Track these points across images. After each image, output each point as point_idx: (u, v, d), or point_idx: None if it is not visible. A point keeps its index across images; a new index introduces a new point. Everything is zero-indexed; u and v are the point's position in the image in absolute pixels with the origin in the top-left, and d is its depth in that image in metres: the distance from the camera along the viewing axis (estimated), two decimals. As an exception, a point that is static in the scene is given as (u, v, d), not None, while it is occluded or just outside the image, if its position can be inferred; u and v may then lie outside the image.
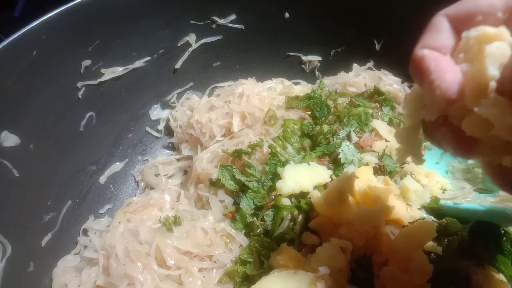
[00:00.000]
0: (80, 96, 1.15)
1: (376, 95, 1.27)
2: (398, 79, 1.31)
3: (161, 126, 1.39)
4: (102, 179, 1.24)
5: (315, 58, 1.45)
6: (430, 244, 0.91)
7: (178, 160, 1.35)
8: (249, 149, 1.10)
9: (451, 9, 0.52)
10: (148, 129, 1.37)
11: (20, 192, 0.99)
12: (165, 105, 1.40)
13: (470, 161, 1.08)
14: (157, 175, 1.30)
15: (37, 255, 0.99)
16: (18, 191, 0.98)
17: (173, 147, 1.40)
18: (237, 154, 1.10)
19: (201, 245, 0.93)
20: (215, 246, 0.94)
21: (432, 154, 1.13)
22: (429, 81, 0.49)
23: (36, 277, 0.97)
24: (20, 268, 0.94)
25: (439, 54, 0.51)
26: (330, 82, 1.38)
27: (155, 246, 0.90)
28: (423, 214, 0.96)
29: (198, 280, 0.89)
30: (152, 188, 1.26)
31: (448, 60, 0.50)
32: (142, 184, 1.31)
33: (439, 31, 0.52)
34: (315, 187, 1.01)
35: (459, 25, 0.50)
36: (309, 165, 1.05)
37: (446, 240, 0.92)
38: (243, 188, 1.06)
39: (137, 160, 1.35)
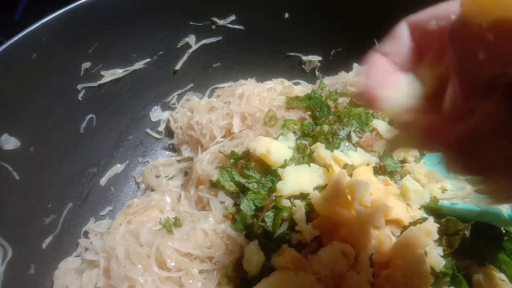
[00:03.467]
0: (80, 99, 1.15)
1: (376, 95, 1.26)
2: (399, 79, 1.31)
3: (161, 128, 1.39)
4: (103, 181, 1.24)
5: (315, 58, 1.45)
6: (431, 244, 0.90)
7: (178, 161, 1.35)
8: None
9: (413, 16, 0.54)
10: (148, 130, 1.37)
11: (21, 195, 0.99)
12: (165, 107, 1.40)
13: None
14: (157, 177, 1.30)
15: (38, 257, 0.99)
16: (18, 194, 0.98)
17: (174, 149, 1.40)
18: (233, 157, 1.10)
19: (202, 247, 0.93)
20: (215, 248, 0.94)
21: (433, 154, 1.12)
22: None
23: (37, 280, 0.97)
24: (21, 270, 0.95)
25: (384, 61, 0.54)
26: (331, 82, 1.37)
27: (156, 248, 0.90)
28: (423, 214, 0.96)
29: (198, 282, 0.89)
30: (152, 190, 1.26)
31: (387, 68, 0.53)
32: (143, 185, 1.31)
33: (395, 37, 0.54)
34: (315, 188, 1.01)
35: (417, 31, 0.52)
36: (309, 166, 1.05)
37: (447, 239, 0.92)
38: (243, 189, 1.06)
39: (137, 161, 1.35)
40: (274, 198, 1.01)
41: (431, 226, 0.90)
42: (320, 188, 1.01)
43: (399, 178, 1.04)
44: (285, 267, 0.88)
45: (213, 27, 1.34)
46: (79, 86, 1.14)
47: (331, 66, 1.43)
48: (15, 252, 0.93)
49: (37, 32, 1.00)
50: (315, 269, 0.85)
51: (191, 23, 1.30)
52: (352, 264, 0.88)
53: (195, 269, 0.90)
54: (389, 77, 0.53)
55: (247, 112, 1.24)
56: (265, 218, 0.99)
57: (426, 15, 0.51)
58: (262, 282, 0.85)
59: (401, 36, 0.54)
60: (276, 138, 1.15)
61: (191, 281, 0.89)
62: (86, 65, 1.14)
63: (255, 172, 1.07)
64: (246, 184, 1.05)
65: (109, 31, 1.16)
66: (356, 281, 0.81)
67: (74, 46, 1.09)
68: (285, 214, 0.99)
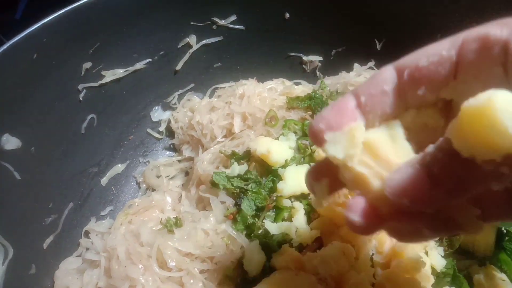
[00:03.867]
0: (81, 99, 1.15)
1: (377, 95, 1.27)
2: (399, 79, 1.31)
3: (162, 128, 1.39)
4: (104, 181, 1.24)
5: (316, 58, 1.44)
6: (432, 244, 0.90)
7: (179, 161, 1.35)
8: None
9: (400, 60, 0.51)
10: (149, 130, 1.37)
11: (22, 195, 0.99)
12: (166, 107, 1.40)
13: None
14: (158, 177, 1.30)
15: (39, 257, 1.00)
16: (19, 193, 0.98)
17: (174, 149, 1.40)
18: (234, 157, 1.10)
19: (202, 247, 0.93)
20: (216, 248, 0.94)
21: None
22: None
23: (38, 279, 0.97)
24: (22, 270, 0.95)
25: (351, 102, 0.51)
26: (331, 82, 1.37)
27: (156, 248, 0.90)
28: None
29: (199, 282, 0.89)
30: (153, 190, 1.26)
31: (349, 109, 0.51)
32: (144, 185, 1.31)
33: (374, 77, 0.51)
34: (316, 188, 1.01)
35: (405, 70, 0.49)
36: (310, 166, 1.05)
37: (448, 239, 0.92)
38: (244, 190, 1.06)
39: (138, 161, 1.35)
40: (275, 198, 1.01)
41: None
42: (321, 188, 1.01)
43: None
44: (286, 267, 0.88)
45: (214, 27, 1.34)
46: (80, 86, 1.14)
47: (332, 66, 1.43)
48: (16, 251, 0.93)
49: (37, 32, 1.00)
50: (316, 269, 0.85)
51: (192, 23, 1.30)
52: (352, 264, 0.88)
53: (196, 269, 0.90)
54: (343, 120, 0.50)
55: (247, 112, 1.24)
56: (266, 218, 0.99)
57: (415, 56, 0.49)
58: (263, 282, 0.85)
59: (381, 77, 0.51)
60: (277, 138, 1.15)
61: (192, 281, 0.89)
62: (87, 65, 1.14)
63: (253, 173, 1.08)
64: (244, 187, 1.05)
65: (110, 31, 1.16)
66: (357, 281, 0.81)
67: (75, 46, 1.09)
68: (285, 214, 1.00)
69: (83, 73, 1.14)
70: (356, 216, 0.48)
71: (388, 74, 0.51)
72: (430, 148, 0.45)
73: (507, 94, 0.36)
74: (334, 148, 0.50)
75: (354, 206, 0.48)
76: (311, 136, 0.53)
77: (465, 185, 0.42)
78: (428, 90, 0.49)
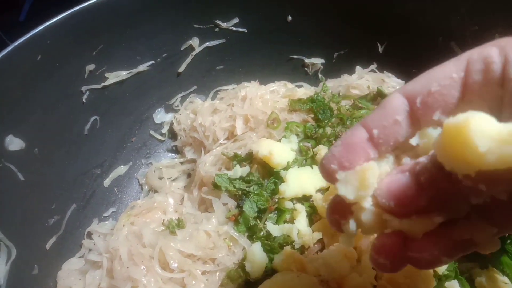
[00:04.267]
0: (84, 100, 1.16)
1: (379, 97, 1.27)
2: (401, 81, 1.31)
3: (164, 130, 1.39)
4: (107, 182, 1.24)
5: (318, 61, 1.45)
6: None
7: (181, 163, 1.35)
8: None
9: (407, 85, 0.51)
10: (152, 132, 1.38)
11: (25, 196, 0.99)
12: (169, 109, 1.40)
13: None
14: (161, 178, 1.30)
15: (42, 258, 1.00)
16: (22, 194, 0.99)
17: (177, 151, 1.40)
18: (236, 159, 1.11)
19: (204, 248, 0.93)
20: (218, 249, 0.94)
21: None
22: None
23: (41, 280, 0.98)
24: (25, 271, 0.95)
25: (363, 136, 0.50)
26: (333, 85, 1.38)
27: (159, 249, 0.90)
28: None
29: (201, 283, 0.89)
30: (156, 191, 1.27)
31: (361, 145, 0.50)
32: (146, 187, 1.31)
33: (384, 107, 0.50)
34: (318, 190, 1.01)
35: (417, 97, 0.49)
36: (312, 168, 1.05)
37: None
38: (246, 192, 1.06)
39: (141, 163, 1.36)
40: (276, 200, 1.01)
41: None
42: (323, 190, 1.02)
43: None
44: (288, 269, 0.88)
45: (217, 29, 1.34)
46: (83, 88, 1.15)
47: (334, 69, 1.44)
48: (19, 252, 0.93)
49: (41, 34, 1.01)
50: (318, 271, 0.85)
51: (195, 25, 1.31)
52: (354, 266, 0.88)
53: (198, 270, 0.91)
54: (355, 158, 0.49)
55: (250, 114, 1.25)
56: (268, 220, 1.00)
57: (424, 81, 0.49)
58: (265, 283, 0.85)
59: (391, 106, 0.50)
60: (279, 141, 1.15)
61: (194, 282, 0.89)
62: (91, 67, 1.15)
63: (254, 175, 1.08)
64: (246, 189, 1.05)
65: (113, 34, 1.17)
66: (358, 283, 0.81)
67: (78, 48, 1.10)
68: (287, 216, 1.00)
69: (86, 75, 1.14)
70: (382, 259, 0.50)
71: (398, 102, 0.50)
72: (422, 158, 0.48)
73: (483, 116, 0.39)
74: (345, 189, 0.49)
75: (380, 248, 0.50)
76: (322, 174, 0.52)
77: (446, 197, 0.45)
78: (442, 114, 0.49)
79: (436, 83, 0.48)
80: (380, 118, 0.50)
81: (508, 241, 0.93)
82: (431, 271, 0.85)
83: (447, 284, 0.85)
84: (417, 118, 0.49)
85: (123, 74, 1.24)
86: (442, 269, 0.87)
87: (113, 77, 1.21)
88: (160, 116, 1.39)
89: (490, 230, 0.48)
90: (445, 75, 0.48)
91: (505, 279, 0.89)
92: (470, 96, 0.48)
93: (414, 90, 0.49)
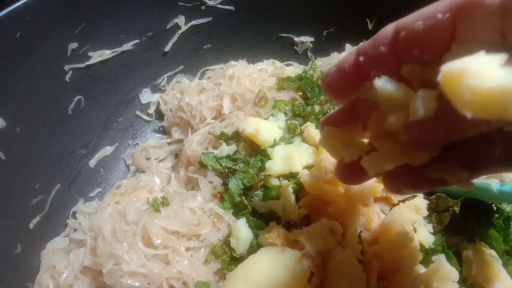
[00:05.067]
0: (67, 80, 1.14)
1: (368, 75, 1.25)
2: (391, 58, 1.29)
3: (151, 110, 1.37)
4: (92, 162, 1.23)
5: (307, 39, 1.43)
6: (420, 220, 0.89)
7: (169, 143, 1.33)
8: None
9: (400, 20, 0.51)
10: (138, 113, 1.36)
11: (7, 175, 0.98)
12: (155, 89, 1.38)
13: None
14: (148, 159, 1.29)
15: (25, 237, 0.99)
16: (4, 173, 0.97)
17: (164, 131, 1.39)
18: (223, 137, 1.09)
19: (189, 225, 0.92)
20: (202, 225, 0.93)
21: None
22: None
23: (24, 259, 0.97)
24: (8, 249, 0.94)
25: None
26: (323, 63, 1.35)
27: (142, 226, 0.89)
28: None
29: (185, 259, 0.88)
30: (142, 172, 1.25)
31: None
32: (133, 168, 1.30)
33: (377, 37, 0.52)
34: (305, 167, 1.00)
35: (402, 31, 0.49)
36: (299, 145, 1.04)
37: (436, 216, 0.91)
38: (232, 170, 1.05)
39: (127, 144, 1.34)
40: (263, 177, 1.00)
41: (421, 202, 0.89)
42: (309, 167, 1.00)
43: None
44: (273, 244, 0.87)
45: (203, 7, 1.32)
46: (66, 67, 1.13)
47: (323, 47, 1.41)
48: (1, 231, 0.92)
49: (20, 10, 0.98)
50: (303, 246, 0.84)
51: (180, 3, 1.28)
52: (340, 241, 0.88)
53: (182, 246, 0.89)
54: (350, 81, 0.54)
55: (237, 93, 1.23)
56: (254, 197, 0.98)
57: (412, 17, 0.49)
58: (249, 259, 0.84)
59: (383, 36, 0.51)
60: (266, 119, 1.14)
61: (177, 258, 0.88)
62: (73, 45, 1.12)
63: (241, 154, 1.07)
64: (233, 167, 1.04)
65: (96, 11, 1.14)
66: (342, 257, 0.81)
67: (59, 26, 1.07)
68: (274, 193, 0.99)
69: (69, 53, 1.12)
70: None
71: (387, 32, 0.51)
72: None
73: (477, 69, 0.37)
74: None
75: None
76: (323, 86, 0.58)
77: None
78: (427, 53, 0.48)
79: (422, 22, 0.47)
80: (370, 45, 0.53)
81: (496, 215, 0.93)
82: (417, 245, 0.84)
83: (434, 258, 0.84)
84: (399, 51, 0.50)
85: (107, 53, 1.21)
86: (428, 243, 0.86)
87: (97, 56, 1.19)
88: (147, 96, 1.37)
89: (461, 173, 0.52)
90: (431, 15, 0.47)
91: (492, 252, 0.89)
92: (462, 38, 0.46)
93: (403, 24, 0.49)
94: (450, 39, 0.47)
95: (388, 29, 0.51)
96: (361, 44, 0.56)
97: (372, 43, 0.52)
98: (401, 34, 0.49)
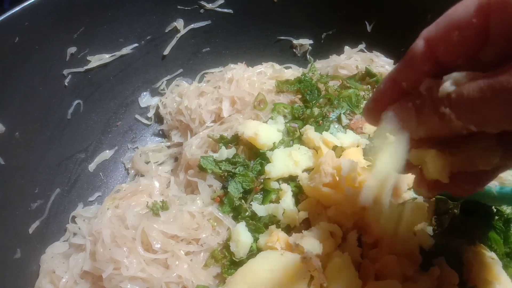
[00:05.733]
0: (66, 84, 1.14)
1: (368, 77, 1.25)
2: (390, 61, 1.29)
3: (150, 114, 1.37)
4: (92, 167, 1.23)
5: (306, 42, 1.43)
6: (421, 224, 0.89)
7: (168, 147, 1.33)
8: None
9: (429, 29, 0.49)
10: (137, 116, 1.36)
11: (6, 180, 0.98)
12: (155, 92, 1.38)
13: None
14: (147, 163, 1.29)
15: (25, 242, 0.99)
16: (4, 178, 0.98)
17: (164, 134, 1.39)
18: (222, 141, 1.09)
19: (188, 229, 0.92)
20: (202, 230, 0.93)
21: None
22: None
23: (24, 264, 0.97)
24: (7, 254, 0.94)
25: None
26: (322, 66, 1.36)
27: (141, 230, 0.89)
28: (412, 194, 0.95)
29: (184, 263, 0.88)
30: (142, 176, 1.25)
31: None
32: (132, 171, 1.30)
33: (410, 61, 0.51)
34: (304, 170, 1.00)
35: (438, 46, 0.48)
36: (298, 148, 1.04)
37: (437, 219, 0.91)
38: (232, 173, 1.05)
39: (127, 148, 1.34)
40: (262, 180, 1.00)
41: (421, 205, 0.89)
42: (309, 170, 1.00)
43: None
44: (272, 248, 0.87)
45: (202, 11, 1.32)
46: (65, 71, 1.13)
47: (322, 50, 1.42)
48: (0, 236, 0.92)
49: (19, 16, 0.98)
50: (302, 249, 0.84)
51: (179, 7, 1.29)
52: (340, 244, 0.87)
53: (181, 250, 0.89)
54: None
55: (236, 96, 1.23)
56: (254, 200, 0.98)
57: (445, 25, 0.47)
58: (249, 263, 0.84)
59: (416, 59, 0.50)
60: (266, 122, 1.14)
61: (177, 262, 0.88)
62: (72, 50, 1.13)
63: (240, 157, 1.07)
64: (232, 170, 1.04)
65: (94, 15, 1.14)
66: (340, 260, 0.80)
67: (58, 31, 1.08)
68: (273, 196, 0.99)
69: (67, 58, 1.12)
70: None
71: (420, 54, 0.50)
72: None
73: None
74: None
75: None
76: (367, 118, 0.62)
77: None
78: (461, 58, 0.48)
79: (457, 32, 0.46)
80: (407, 72, 0.53)
81: (496, 217, 0.92)
82: (417, 247, 0.84)
83: (434, 260, 0.84)
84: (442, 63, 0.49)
85: (106, 57, 1.22)
86: (428, 246, 0.86)
87: (96, 60, 1.19)
88: (146, 100, 1.37)
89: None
90: (461, 22, 0.45)
91: (492, 254, 0.88)
92: (496, 38, 0.45)
93: (435, 35, 0.48)
94: (484, 40, 0.46)
95: (419, 48, 0.50)
96: (391, 70, 0.57)
97: (407, 63, 0.52)
98: (440, 48, 0.48)
